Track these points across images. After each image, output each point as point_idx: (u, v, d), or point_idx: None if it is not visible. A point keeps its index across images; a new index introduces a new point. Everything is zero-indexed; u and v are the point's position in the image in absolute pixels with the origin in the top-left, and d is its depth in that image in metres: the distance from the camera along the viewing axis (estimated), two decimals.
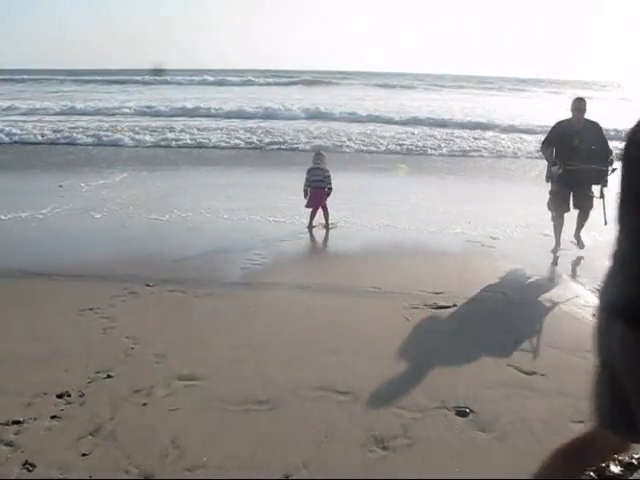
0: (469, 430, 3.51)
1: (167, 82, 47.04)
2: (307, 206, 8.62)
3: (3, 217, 8.75)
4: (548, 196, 7.36)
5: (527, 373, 4.23)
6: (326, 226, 8.59)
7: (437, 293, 5.81)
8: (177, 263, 6.72)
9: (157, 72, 59.93)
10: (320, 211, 8.63)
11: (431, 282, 6.12)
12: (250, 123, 22.31)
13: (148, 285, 5.91)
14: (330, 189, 8.66)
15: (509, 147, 17.86)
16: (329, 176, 8.67)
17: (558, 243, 7.32)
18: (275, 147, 17.55)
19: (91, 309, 5.26)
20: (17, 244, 7.58)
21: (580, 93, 12.66)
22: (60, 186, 11.15)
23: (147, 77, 50.24)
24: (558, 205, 7.24)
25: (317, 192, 8.58)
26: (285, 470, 3.10)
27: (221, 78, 48.79)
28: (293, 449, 3.29)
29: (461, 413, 3.67)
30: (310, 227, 8.51)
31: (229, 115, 24.93)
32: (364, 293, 5.84)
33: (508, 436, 3.45)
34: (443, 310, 5.44)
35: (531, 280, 6.38)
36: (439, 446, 3.34)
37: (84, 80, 48.32)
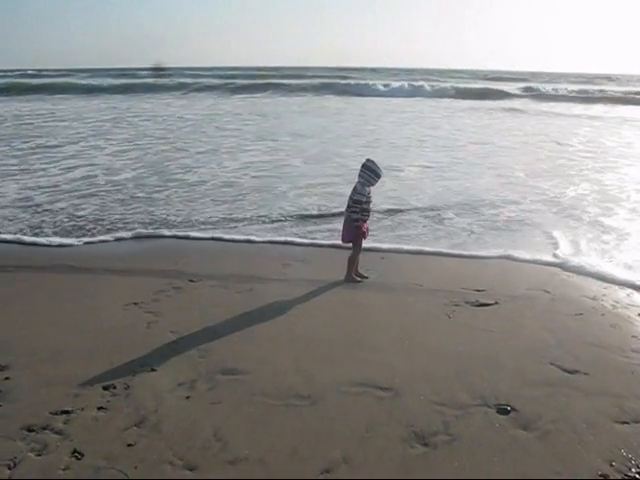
0: (510, 428, 3.48)
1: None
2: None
3: None
4: None
5: (570, 372, 4.17)
6: (347, 277, 6.16)
7: (479, 290, 5.77)
8: (220, 259, 6.82)
9: (158, 70, 58.31)
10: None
11: (472, 280, 6.08)
12: None
13: (191, 280, 6.01)
14: (353, 219, 5.95)
15: None
16: (357, 200, 5.87)
17: None
18: None
19: (136, 304, 5.38)
20: None
21: None
22: None
23: None
24: None
25: (345, 221, 6.15)
26: (326, 465, 3.13)
27: None
28: (334, 444, 3.32)
29: (502, 411, 3.65)
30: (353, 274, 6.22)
31: None
32: (406, 290, 5.83)
33: (550, 435, 3.42)
34: (485, 307, 5.40)
35: (575, 278, 6.27)
36: (480, 443, 3.33)
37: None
